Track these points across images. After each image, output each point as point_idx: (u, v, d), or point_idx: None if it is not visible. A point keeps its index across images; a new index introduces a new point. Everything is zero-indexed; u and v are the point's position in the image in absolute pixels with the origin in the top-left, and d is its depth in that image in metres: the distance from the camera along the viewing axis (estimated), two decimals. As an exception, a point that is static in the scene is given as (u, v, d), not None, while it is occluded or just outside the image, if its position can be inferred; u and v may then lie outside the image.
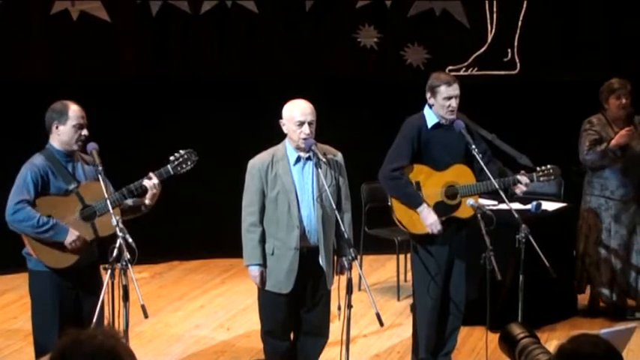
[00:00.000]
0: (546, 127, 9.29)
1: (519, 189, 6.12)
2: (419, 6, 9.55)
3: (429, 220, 6.11)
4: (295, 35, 9.57)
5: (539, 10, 9.51)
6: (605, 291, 7.62)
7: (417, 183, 6.17)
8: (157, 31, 9.33)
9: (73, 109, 5.59)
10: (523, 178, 6.11)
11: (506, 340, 3.52)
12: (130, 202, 5.68)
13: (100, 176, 5.45)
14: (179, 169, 5.71)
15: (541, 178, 6.19)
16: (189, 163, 5.74)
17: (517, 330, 3.51)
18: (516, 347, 3.47)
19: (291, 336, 6.04)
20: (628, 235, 7.53)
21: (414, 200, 6.14)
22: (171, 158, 5.71)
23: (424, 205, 6.12)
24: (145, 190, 5.64)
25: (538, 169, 6.22)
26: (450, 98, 6.11)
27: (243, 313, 7.78)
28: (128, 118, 9.17)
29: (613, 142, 7.27)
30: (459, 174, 6.18)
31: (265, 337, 6.04)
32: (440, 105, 6.13)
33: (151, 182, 5.62)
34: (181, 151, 5.74)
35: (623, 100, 7.37)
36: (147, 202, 5.69)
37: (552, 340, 6.93)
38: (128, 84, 9.19)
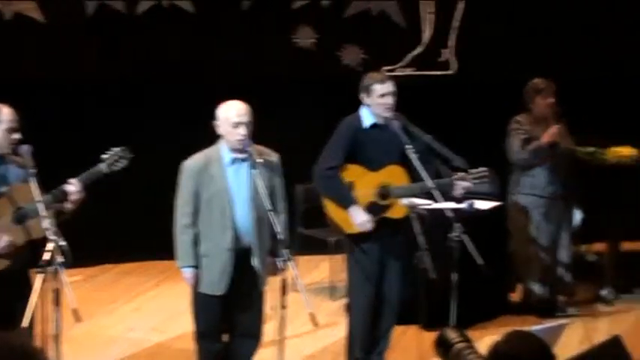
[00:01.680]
0: (482, 127, 9.34)
1: (458, 191, 6.15)
2: (356, 6, 9.57)
3: (358, 220, 6.10)
4: (231, 36, 9.52)
5: (475, 12, 9.58)
6: (537, 287, 7.71)
7: (351, 183, 6.17)
8: (93, 32, 9.21)
9: (5, 113, 5.49)
10: (462, 183, 6.13)
11: (441, 344, 3.56)
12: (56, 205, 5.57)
13: (31, 179, 5.36)
14: (113, 167, 5.61)
15: (474, 181, 6.21)
16: (123, 160, 5.64)
17: (452, 335, 3.55)
18: (450, 351, 3.51)
19: (225, 338, 6.01)
20: (555, 231, 7.65)
21: (344, 200, 6.13)
22: (104, 156, 5.59)
23: (354, 206, 6.12)
24: (66, 195, 5.53)
25: (470, 171, 6.24)
26: (384, 95, 6.12)
27: (178, 316, 7.69)
28: (67, 119, 9.07)
29: (544, 139, 7.39)
30: (393, 175, 6.18)
31: (198, 339, 5.99)
32: (376, 103, 6.14)
33: (73, 188, 5.51)
34: (114, 149, 5.64)
35: (550, 99, 7.50)
36: (69, 205, 5.57)
37: (485, 337, 6.96)
38: (68, 86, 9.07)
